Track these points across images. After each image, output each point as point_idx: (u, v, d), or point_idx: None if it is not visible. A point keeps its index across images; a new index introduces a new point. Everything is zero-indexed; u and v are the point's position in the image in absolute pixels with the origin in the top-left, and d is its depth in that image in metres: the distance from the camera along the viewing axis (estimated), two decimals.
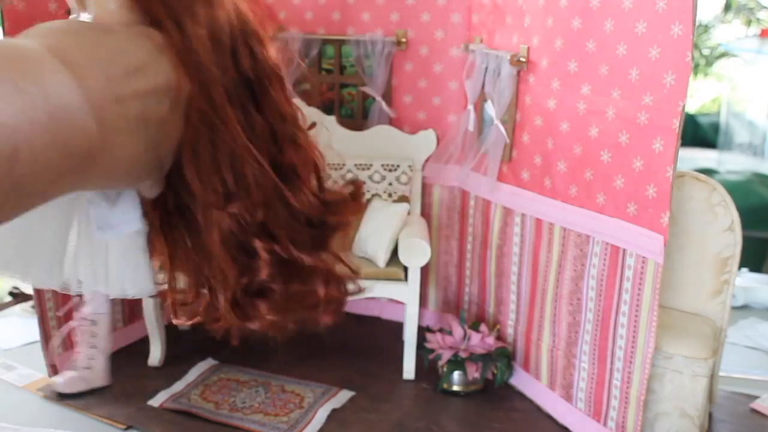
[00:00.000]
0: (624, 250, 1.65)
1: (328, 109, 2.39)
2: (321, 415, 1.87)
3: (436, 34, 2.25)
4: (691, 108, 5.84)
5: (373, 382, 2.06)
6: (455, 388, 2.00)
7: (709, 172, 4.20)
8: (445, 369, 1.99)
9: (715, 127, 5.42)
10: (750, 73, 5.15)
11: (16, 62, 0.55)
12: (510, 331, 2.07)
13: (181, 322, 1.01)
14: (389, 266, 2.07)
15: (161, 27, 0.71)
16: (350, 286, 1.04)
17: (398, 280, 2.03)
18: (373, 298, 2.29)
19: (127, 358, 2.14)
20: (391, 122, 2.32)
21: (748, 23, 5.05)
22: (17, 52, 0.57)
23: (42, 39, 0.60)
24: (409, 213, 2.18)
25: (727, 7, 4.92)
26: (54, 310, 1.98)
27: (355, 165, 2.25)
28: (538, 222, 1.91)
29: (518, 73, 1.92)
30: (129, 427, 1.81)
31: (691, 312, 1.87)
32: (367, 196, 2.28)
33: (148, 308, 2.04)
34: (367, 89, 2.30)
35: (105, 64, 0.62)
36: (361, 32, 2.30)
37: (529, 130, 1.91)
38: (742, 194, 3.80)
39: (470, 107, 2.15)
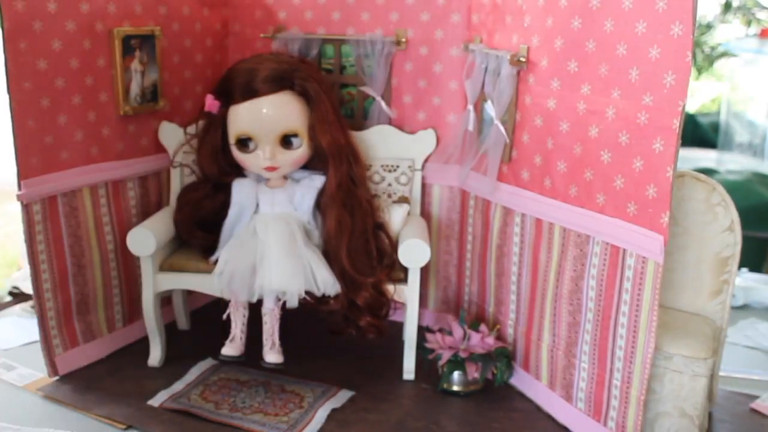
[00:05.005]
0: (624, 250, 1.65)
1: None
2: (321, 414, 1.87)
3: (436, 34, 2.25)
4: (691, 108, 5.84)
5: (373, 382, 2.06)
6: (455, 388, 2.00)
7: (709, 172, 4.20)
8: (445, 369, 1.99)
9: (715, 127, 5.41)
10: (750, 73, 5.15)
11: None
12: (510, 331, 2.07)
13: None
14: None
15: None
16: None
17: (398, 280, 2.03)
18: None
19: (127, 358, 2.15)
20: (391, 122, 2.32)
21: (748, 23, 5.05)
22: None
23: None
24: (409, 213, 2.19)
25: (727, 7, 4.92)
26: (54, 309, 1.99)
27: None
28: (538, 222, 1.91)
29: (518, 73, 1.92)
30: (129, 427, 1.81)
31: (691, 312, 1.87)
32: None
33: (148, 308, 2.04)
34: (366, 89, 2.30)
35: None
36: (360, 32, 2.30)
37: (529, 130, 1.91)
38: (742, 194, 3.79)
39: (470, 107, 2.15)
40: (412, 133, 2.29)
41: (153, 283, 2.04)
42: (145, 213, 2.23)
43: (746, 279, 2.80)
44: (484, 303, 2.20)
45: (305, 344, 2.23)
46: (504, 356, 2.01)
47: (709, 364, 1.71)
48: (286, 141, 2.03)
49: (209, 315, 2.35)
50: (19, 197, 1.87)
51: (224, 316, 1.98)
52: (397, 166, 2.25)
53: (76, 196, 2.03)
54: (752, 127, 5.10)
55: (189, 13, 2.30)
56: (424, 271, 2.18)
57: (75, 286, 2.05)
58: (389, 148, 2.26)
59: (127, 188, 2.18)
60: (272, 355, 1.97)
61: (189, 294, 2.34)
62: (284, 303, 1.96)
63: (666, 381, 1.73)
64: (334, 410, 1.90)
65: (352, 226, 2.00)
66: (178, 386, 1.99)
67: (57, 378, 2.02)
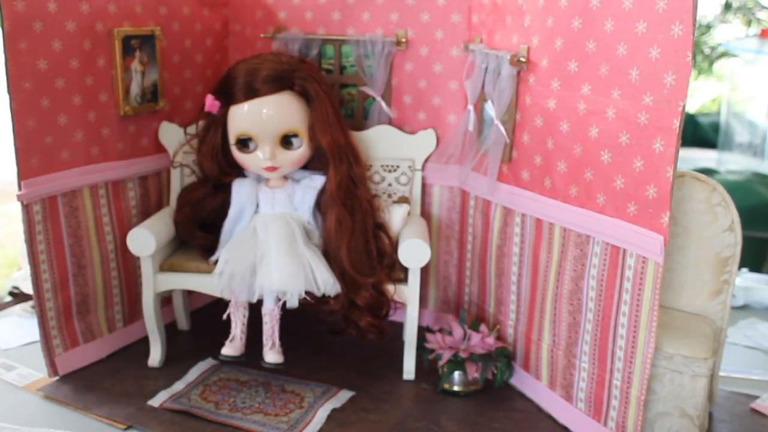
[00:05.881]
0: (624, 250, 1.65)
1: None
2: (321, 414, 1.87)
3: (436, 34, 2.25)
4: (691, 108, 5.84)
5: (373, 382, 2.06)
6: (455, 388, 2.00)
7: (709, 172, 4.20)
8: (445, 369, 1.99)
9: (715, 127, 5.41)
10: (750, 73, 5.14)
11: None
12: (510, 331, 2.07)
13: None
14: None
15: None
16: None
17: (398, 280, 2.04)
18: None
19: (127, 358, 2.15)
20: (391, 122, 2.32)
21: (748, 23, 5.04)
22: None
23: None
24: (409, 213, 2.19)
25: (727, 7, 4.91)
26: (54, 309, 1.99)
27: None
28: (539, 222, 1.91)
29: (518, 73, 1.92)
30: (129, 427, 1.81)
31: (691, 312, 1.87)
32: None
33: (148, 308, 2.05)
34: (366, 89, 2.31)
35: None
36: (361, 32, 2.30)
37: (529, 130, 1.91)
38: (742, 194, 3.80)
39: (470, 107, 2.15)
40: (412, 133, 2.29)
41: (153, 283, 2.04)
42: (145, 213, 2.23)
43: (746, 279, 2.80)
44: (484, 303, 2.20)
45: (305, 344, 2.23)
46: (504, 356, 2.01)
47: (710, 364, 1.71)
48: (286, 141, 2.03)
49: (209, 315, 2.35)
50: (19, 197, 1.87)
51: (224, 316, 1.98)
52: (397, 166, 2.25)
53: (76, 196, 2.03)
54: (752, 127, 5.10)
55: (189, 13, 2.30)
56: (424, 271, 2.18)
57: (75, 286, 2.05)
58: (389, 148, 2.27)
59: (127, 188, 2.18)
60: (272, 355, 1.98)
61: (189, 294, 2.34)
62: (284, 303, 1.96)
63: (666, 381, 1.73)
64: (334, 410, 1.90)
65: (352, 226, 2.00)
66: (179, 386, 1.99)
67: (57, 378, 2.02)
